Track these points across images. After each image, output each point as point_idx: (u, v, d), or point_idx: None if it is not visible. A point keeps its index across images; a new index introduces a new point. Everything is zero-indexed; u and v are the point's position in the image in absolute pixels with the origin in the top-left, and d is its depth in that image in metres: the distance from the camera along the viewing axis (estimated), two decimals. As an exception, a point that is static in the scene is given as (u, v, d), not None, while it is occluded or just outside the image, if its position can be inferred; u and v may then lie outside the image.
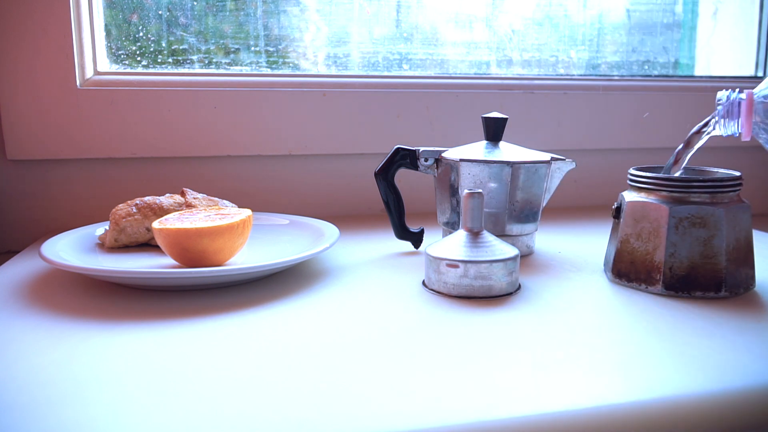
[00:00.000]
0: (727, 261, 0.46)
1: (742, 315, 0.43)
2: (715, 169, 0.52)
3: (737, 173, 0.49)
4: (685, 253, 0.47)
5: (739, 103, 0.47)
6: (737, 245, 0.47)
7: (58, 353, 0.37)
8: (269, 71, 0.80)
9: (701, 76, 0.96)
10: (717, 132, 0.49)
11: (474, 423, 0.29)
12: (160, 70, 0.76)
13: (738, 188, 0.48)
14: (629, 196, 0.51)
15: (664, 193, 0.48)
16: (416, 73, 0.85)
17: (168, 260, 0.54)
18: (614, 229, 0.52)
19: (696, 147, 0.50)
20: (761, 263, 0.54)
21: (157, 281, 0.47)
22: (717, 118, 0.48)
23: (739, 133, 0.48)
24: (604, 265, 0.54)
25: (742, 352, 0.37)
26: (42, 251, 0.50)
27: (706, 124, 0.50)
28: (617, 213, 0.52)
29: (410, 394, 0.32)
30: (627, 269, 0.50)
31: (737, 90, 0.48)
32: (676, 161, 0.51)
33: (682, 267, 0.47)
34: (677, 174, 0.51)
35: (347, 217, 0.78)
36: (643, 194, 0.49)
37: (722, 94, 0.48)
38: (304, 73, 0.81)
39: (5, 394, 0.32)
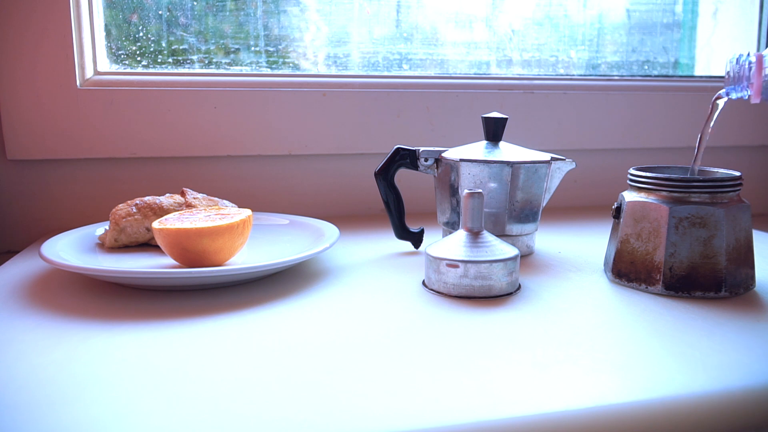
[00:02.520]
0: (727, 261, 0.46)
1: (742, 315, 0.43)
2: (715, 169, 0.52)
3: (737, 173, 0.49)
4: (685, 253, 0.47)
5: (749, 65, 0.47)
6: (737, 245, 0.47)
7: (58, 353, 0.37)
8: (269, 71, 0.80)
9: (701, 76, 0.96)
10: (729, 96, 0.48)
11: (474, 423, 0.29)
12: (160, 70, 0.76)
13: (738, 188, 0.48)
14: (629, 196, 0.50)
15: (664, 193, 0.48)
16: (416, 73, 0.85)
17: (168, 260, 0.54)
18: (614, 229, 0.52)
19: (711, 122, 0.50)
20: (761, 263, 0.54)
21: (157, 281, 0.47)
22: (727, 81, 0.48)
23: (749, 96, 0.47)
24: (604, 265, 0.54)
25: (742, 352, 0.37)
26: (42, 251, 0.50)
27: (715, 99, 0.49)
28: (617, 213, 0.51)
29: (410, 394, 0.32)
30: (627, 269, 0.50)
31: (747, 53, 0.47)
32: (698, 153, 0.51)
33: (682, 267, 0.47)
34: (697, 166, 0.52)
35: (347, 217, 0.78)
36: (643, 194, 0.49)
37: (732, 57, 0.48)
38: (304, 73, 0.81)
39: (5, 394, 0.32)
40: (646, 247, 0.48)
